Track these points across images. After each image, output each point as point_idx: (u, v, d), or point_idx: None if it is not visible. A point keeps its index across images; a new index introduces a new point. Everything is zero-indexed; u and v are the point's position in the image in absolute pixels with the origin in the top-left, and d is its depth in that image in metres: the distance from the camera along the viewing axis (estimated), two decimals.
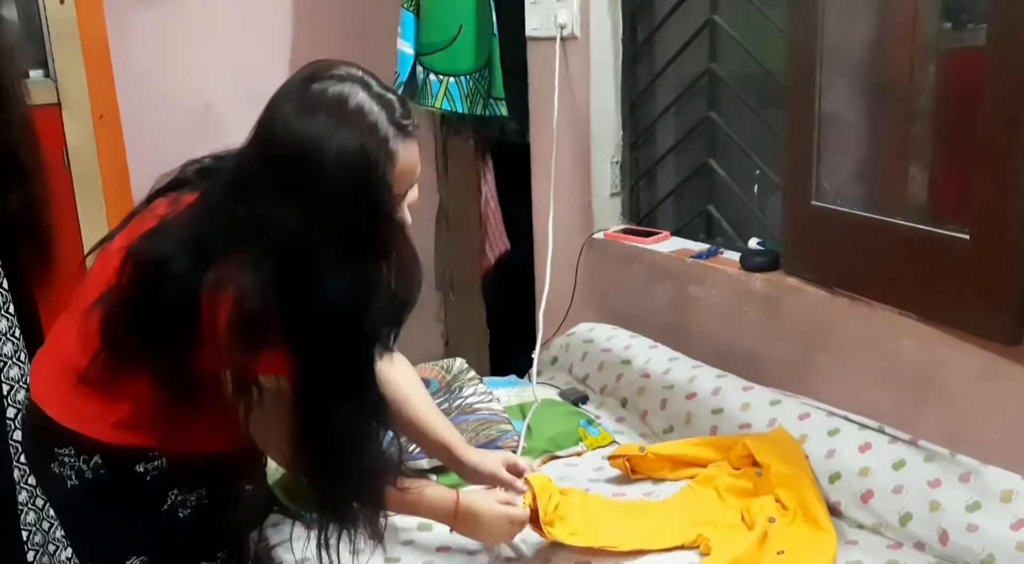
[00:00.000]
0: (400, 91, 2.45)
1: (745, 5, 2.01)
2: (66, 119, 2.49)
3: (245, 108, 2.92)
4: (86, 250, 2.56)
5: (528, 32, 2.36)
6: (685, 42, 2.15)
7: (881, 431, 1.59)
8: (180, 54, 2.80)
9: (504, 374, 2.29)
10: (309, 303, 1.11)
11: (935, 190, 1.71)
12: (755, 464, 1.60)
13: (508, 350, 2.71)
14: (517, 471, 1.52)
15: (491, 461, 1.53)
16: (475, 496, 1.43)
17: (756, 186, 2.11)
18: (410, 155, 1.18)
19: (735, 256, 1.99)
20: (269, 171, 1.13)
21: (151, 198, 1.30)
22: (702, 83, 2.14)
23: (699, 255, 2.05)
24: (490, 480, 1.50)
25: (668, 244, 2.18)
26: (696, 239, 2.21)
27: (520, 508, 1.43)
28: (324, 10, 2.94)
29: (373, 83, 1.17)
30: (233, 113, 2.89)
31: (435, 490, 1.44)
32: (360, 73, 1.17)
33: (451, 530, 1.45)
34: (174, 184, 1.29)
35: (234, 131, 2.99)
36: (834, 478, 1.56)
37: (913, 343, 1.60)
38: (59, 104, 2.47)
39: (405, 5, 2.40)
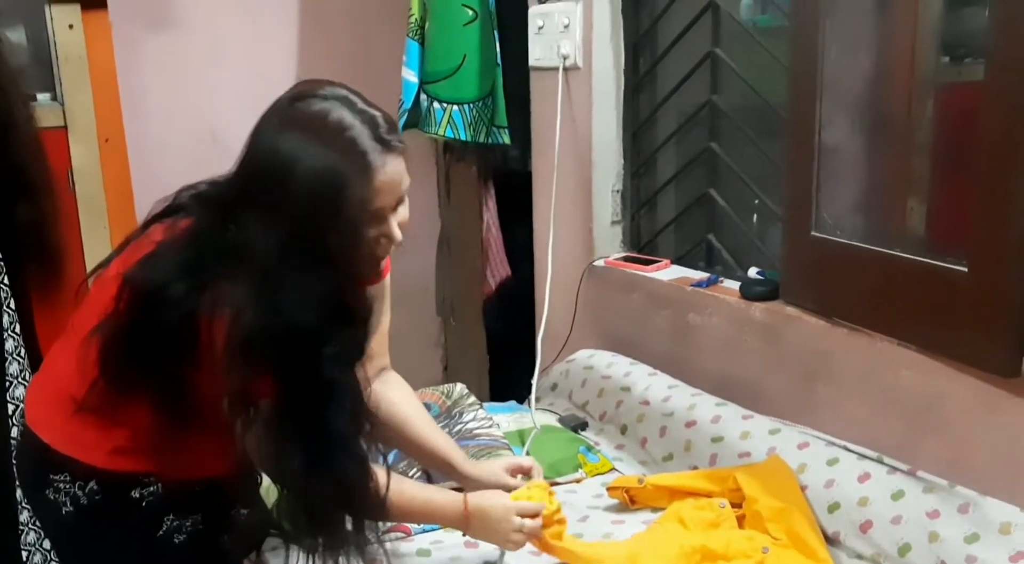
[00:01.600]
0: (404, 118, 2.49)
1: (746, 38, 2.04)
2: (72, 142, 2.51)
3: (248, 132, 2.98)
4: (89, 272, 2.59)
5: (531, 62, 2.39)
6: (686, 74, 2.18)
7: (880, 461, 1.59)
8: (187, 80, 2.83)
9: (504, 400, 2.29)
10: (283, 320, 1.12)
11: (934, 222, 1.72)
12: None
13: (508, 376, 2.71)
14: (523, 471, 1.54)
15: (495, 469, 1.55)
16: (483, 494, 1.44)
17: (756, 216, 2.13)
18: (394, 169, 1.19)
19: (735, 285, 2.00)
20: (251, 189, 1.15)
21: (147, 224, 1.31)
22: (703, 114, 2.17)
23: (699, 284, 2.06)
24: (496, 488, 1.50)
25: (668, 272, 2.19)
26: (696, 268, 2.22)
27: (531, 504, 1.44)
28: (330, 38, 2.98)
29: (357, 101, 1.18)
30: (238, 139, 2.89)
31: (442, 494, 1.45)
32: (345, 91, 1.19)
33: (463, 534, 1.45)
34: (170, 210, 1.29)
35: (238, 155, 3.02)
36: (833, 508, 1.56)
37: (912, 374, 1.60)
38: (66, 127, 2.49)
39: (411, 34, 2.44)
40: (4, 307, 1.93)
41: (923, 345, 1.58)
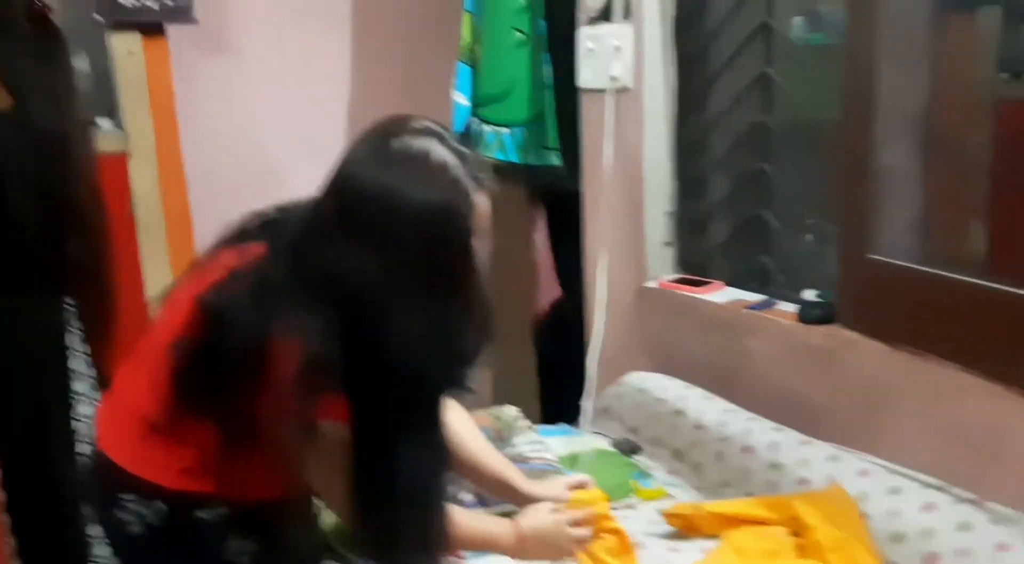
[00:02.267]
0: None
1: (798, 57, 2.02)
2: (132, 167, 2.58)
3: (303, 158, 3.03)
4: (148, 295, 2.64)
5: (581, 84, 2.39)
6: (738, 93, 2.16)
7: (945, 491, 1.55)
8: (242, 105, 2.89)
9: (555, 423, 2.29)
10: (382, 351, 1.13)
11: (996, 244, 1.68)
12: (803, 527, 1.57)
13: (559, 398, 2.70)
14: (581, 488, 1.54)
15: (554, 487, 1.54)
16: (530, 513, 1.44)
17: (810, 237, 2.10)
18: (485, 207, 1.21)
19: (790, 307, 1.98)
20: (347, 223, 1.16)
21: (217, 248, 1.33)
22: (754, 134, 2.15)
23: (754, 306, 2.04)
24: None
25: (721, 294, 2.17)
26: (749, 289, 2.19)
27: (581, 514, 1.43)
28: (381, 61, 3.02)
29: (448, 137, 1.20)
30: (292, 163, 2.95)
31: (494, 522, 1.45)
32: (436, 127, 1.21)
33: (513, 556, 1.45)
34: (240, 235, 1.32)
35: (293, 181, 3.05)
36: (896, 539, 1.52)
37: (977, 401, 1.56)
38: (126, 152, 2.56)
39: (461, 58, 2.46)
40: (70, 325, 1.98)
41: (988, 372, 1.54)
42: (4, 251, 1.86)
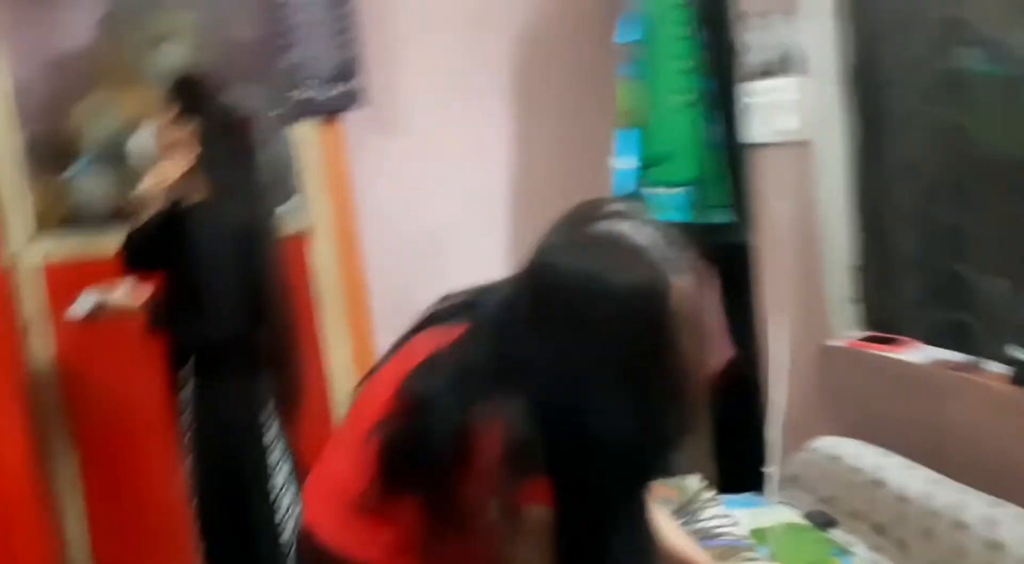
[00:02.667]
0: None
1: (982, 93, 1.89)
2: (313, 245, 2.72)
3: (472, 228, 3.10)
4: (329, 370, 2.75)
5: (751, 139, 2.33)
6: (922, 138, 2.04)
7: None
8: (414, 180, 2.97)
9: (731, 490, 2.18)
10: (585, 435, 1.12)
11: None
12: None
13: (737, 465, 2.59)
14: None
15: None
16: None
17: (1010, 290, 1.93)
18: (687, 287, 1.18)
19: (998, 367, 1.82)
20: (546, 308, 1.16)
21: (414, 331, 1.35)
22: (943, 179, 2.02)
23: (957, 366, 1.89)
24: None
25: (918, 353, 2.03)
26: (946, 347, 2.03)
27: None
28: (541, 129, 3.05)
29: (646, 219, 1.19)
30: (461, 233, 3.03)
31: None
32: (631, 209, 1.20)
33: None
34: (436, 318, 1.33)
35: (464, 255, 3.12)
36: None
37: None
38: (306, 231, 2.71)
39: (626, 120, 2.46)
40: (263, 403, 2.08)
41: None
42: (202, 337, 2.00)
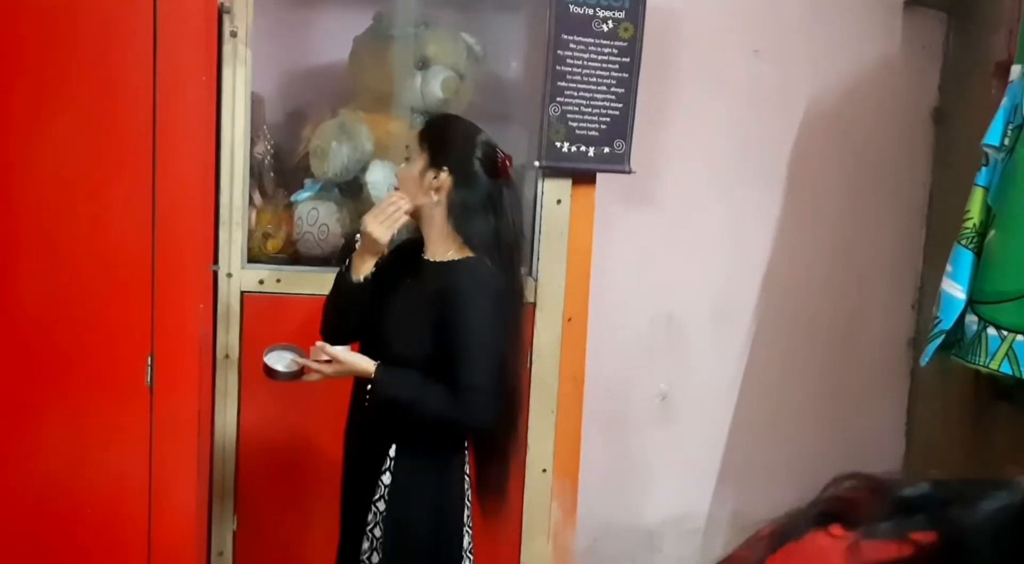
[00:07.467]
0: (940, 340, 2.04)
1: None
2: (538, 319, 2.38)
3: (708, 321, 2.71)
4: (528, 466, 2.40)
5: None
6: None
7: None
8: (653, 259, 2.65)
9: None
10: None
11: None
12: None
13: None
14: None
15: None
16: None
17: None
18: None
19: None
20: None
21: (796, 525, 0.95)
22: None
23: None
24: None
25: None
26: None
27: None
28: (816, 233, 2.67)
29: None
30: (695, 325, 2.67)
31: None
32: None
33: None
34: (841, 515, 0.93)
35: (693, 344, 2.74)
36: None
37: None
38: (534, 303, 2.37)
39: (962, 241, 2.00)
40: (467, 478, 1.84)
41: None
42: (458, 421, 1.72)
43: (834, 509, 0.93)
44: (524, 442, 2.31)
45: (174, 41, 1.79)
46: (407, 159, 1.84)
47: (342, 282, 1.80)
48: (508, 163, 1.77)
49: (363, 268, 1.77)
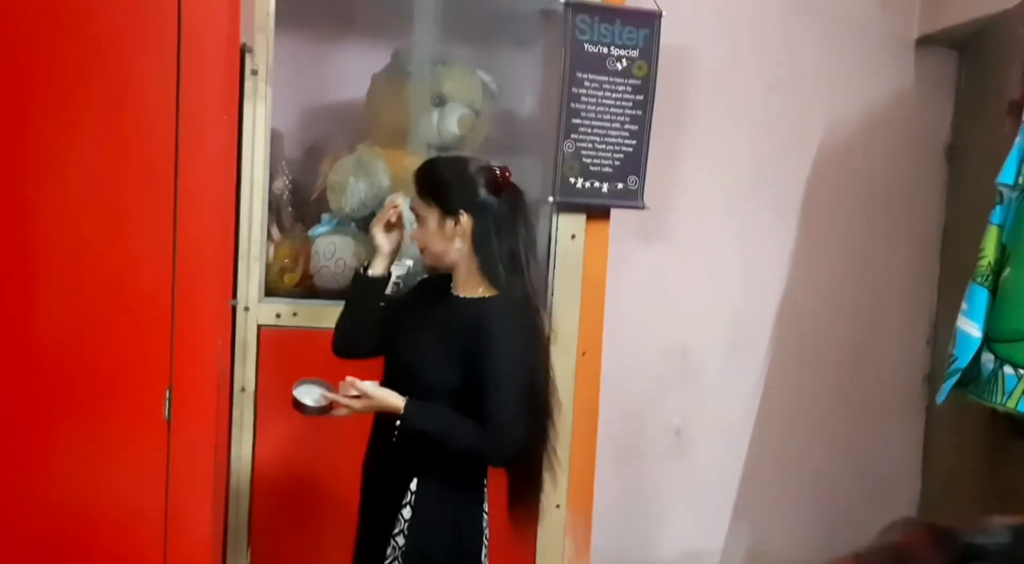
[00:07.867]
0: (956, 378, 2.03)
1: None
2: (552, 353, 2.38)
3: (722, 354, 2.71)
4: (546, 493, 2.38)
5: None
6: None
7: None
8: (667, 293, 2.66)
9: None
10: None
11: None
12: None
13: None
14: None
15: None
16: None
17: None
18: None
19: None
20: None
21: None
22: None
23: None
24: None
25: None
26: None
27: None
28: (827, 265, 2.67)
29: None
30: (709, 358, 2.67)
31: None
32: None
33: None
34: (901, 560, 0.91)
35: (708, 377, 2.74)
36: None
37: None
38: (548, 337, 2.37)
39: (978, 279, 2.00)
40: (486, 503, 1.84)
41: None
42: (485, 455, 1.73)
43: (895, 559, 0.92)
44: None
45: (197, 80, 1.82)
46: (417, 222, 1.80)
47: (359, 279, 1.85)
48: (507, 174, 1.76)
49: (379, 267, 1.84)
